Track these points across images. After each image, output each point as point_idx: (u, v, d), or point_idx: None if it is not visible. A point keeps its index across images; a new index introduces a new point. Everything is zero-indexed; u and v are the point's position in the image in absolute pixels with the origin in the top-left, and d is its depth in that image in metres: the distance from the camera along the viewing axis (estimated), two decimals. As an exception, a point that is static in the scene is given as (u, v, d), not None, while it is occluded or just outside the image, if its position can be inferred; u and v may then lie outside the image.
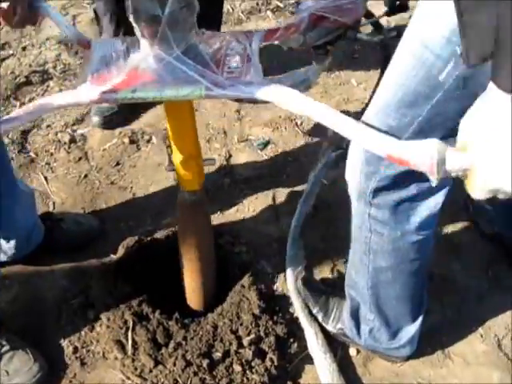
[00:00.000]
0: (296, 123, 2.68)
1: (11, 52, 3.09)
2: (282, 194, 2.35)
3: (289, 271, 1.99)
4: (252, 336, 1.83)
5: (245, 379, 1.78)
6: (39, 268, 2.11)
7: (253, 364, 1.80)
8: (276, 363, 1.81)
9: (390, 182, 1.35)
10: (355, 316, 1.77)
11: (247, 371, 1.79)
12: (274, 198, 2.33)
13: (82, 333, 1.93)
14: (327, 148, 1.97)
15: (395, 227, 1.44)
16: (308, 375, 1.85)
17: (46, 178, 2.45)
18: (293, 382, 1.83)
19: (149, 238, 2.15)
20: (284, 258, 2.06)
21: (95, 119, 2.60)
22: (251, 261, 2.09)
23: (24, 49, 3.10)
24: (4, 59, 3.04)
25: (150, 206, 2.34)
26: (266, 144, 2.57)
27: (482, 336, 1.95)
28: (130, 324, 1.87)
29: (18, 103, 2.80)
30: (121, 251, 2.12)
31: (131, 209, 2.33)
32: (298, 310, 1.92)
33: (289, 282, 1.98)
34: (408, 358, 1.86)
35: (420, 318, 1.74)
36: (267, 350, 1.83)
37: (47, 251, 2.11)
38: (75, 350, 1.90)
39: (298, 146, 2.57)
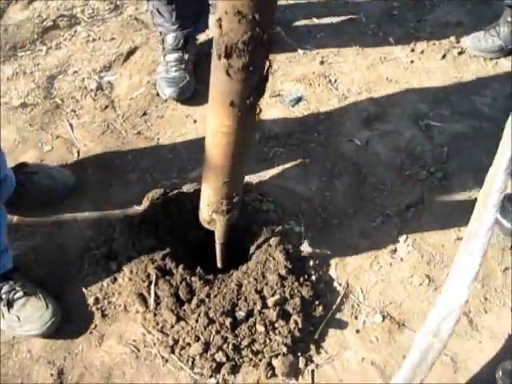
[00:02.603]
0: (330, 80, 2.58)
1: (39, -6, 3.00)
2: (312, 152, 2.27)
3: None
4: (277, 297, 1.78)
5: (267, 340, 1.74)
6: (62, 216, 2.08)
7: (276, 325, 1.76)
8: (300, 325, 1.76)
9: None
10: None
11: (270, 332, 1.75)
12: (303, 157, 2.25)
13: (104, 284, 1.90)
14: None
15: None
16: (332, 339, 1.81)
17: (71, 125, 2.39)
18: (316, 346, 1.79)
19: (175, 192, 2.09)
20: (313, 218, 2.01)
21: (169, 90, 2.45)
22: (279, 219, 2.02)
23: (52, -9, 3.00)
24: (31, 2, 2.95)
25: (177, 158, 2.28)
26: (298, 100, 2.48)
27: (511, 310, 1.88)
28: (153, 278, 1.83)
29: (44, 47, 2.73)
30: (145, 203, 2.06)
31: (157, 160, 2.27)
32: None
33: None
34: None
35: None
36: (292, 311, 1.78)
37: (18, 204, 2.02)
38: (96, 300, 1.87)
39: (331, 104, 2.48)
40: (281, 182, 2.16)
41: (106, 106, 2.46)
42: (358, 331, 1.82)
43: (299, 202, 2.10)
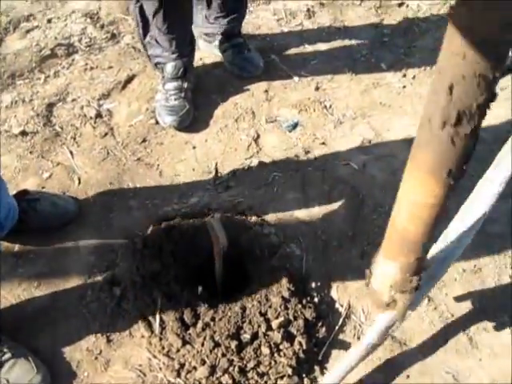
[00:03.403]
0: (325, 106, 2.63)
1: (36, 24, 3.05)
2: (310, 176, 2.31)
3: None
4: (281, 319, 1.81)
5: (273, 362, 1.76)
6: (64, 244, 2.10)
7: (281, 347, 1.78)
8: (304, 347, 1.79)
9: None
10: None
11: (275, 354, 1.77)
12: (302, 181, 2.29)
13: (108, 309, 1.91)
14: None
15: None
16: (335, 360, 1.83)
17: (71, 153, 2.42)
18: (320, 367, 1.81)
19: (176, 217, 2.12)
20: (313, 241, 2.05)
21: (169, 119, 2.50)
22: (280, 243, 2.05)
23: (49, 21, 3.05)
24: (29, 31, 3.00)
25: (177, 184, 2.31)
26: (294, 126, 2.53)
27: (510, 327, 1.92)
28: (158, 302, 1.85)
29: (42, 76, 2.77)
30: (148, 229, 2.09)
31: (157, 186, 2.30)
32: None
33: None
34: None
35: None
36: (296, 333, 1.81)
37: (21, 232, 2.05)
38: (101, 326, 1.88)
39: (327, 129, 2.53)
40: (281, 206, 2.20)
41: (106, 134, 2.50)
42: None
43: (299, 225, 2.13)
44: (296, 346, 1.79)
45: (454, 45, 0.86)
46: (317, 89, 2.72)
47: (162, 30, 2.34)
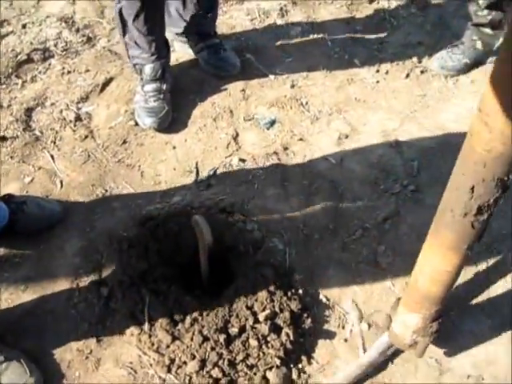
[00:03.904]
0: (301, 103, 2.68)
1: (11, 29, 3.04)
2: (289, 172, 2.37)
3: None
4: (267, 311, 1.85)
5: (261, 353, 1.80)
6: (48, 246, 2.12)
7: (268, 339, 1.82)
8: (291, 338, 1.84)
9: None
10: None
11: (263, 346, 1.81)
12: (282, 177, 2.34)
13: (96, 309, 1.94)
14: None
15: None
16: (322, 349, 1.88)
17: (52, 157, 2.43)
18: (307, 357, 1.86)
19: (159, 216, 2.15)
20: (295, 235, 2.10)
21: (149, 120, 2.53)
22: (263, 238, 2.10)
23: (24, 26, 3.06)
24: (4, 36, 3.00)
25: (158, 184, 2.35)
26: (272, 123, 2.58)
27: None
28: (146, 300, 1.88)
29: (19, 81, 2.77)
30: (132, 229, 2.12)
31: (139, 187, 2.33)
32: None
33: None
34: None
35: None
36: (282, 325, 1.85)
37: (8, 234, 2.07)
38: (90, 326, 1.90)
39: (304, 126, 2.58)
40: (262, 202, 2.24)
41: (86, 136, 2.51)
42: (346, 340, 1.90)
43: (281, 220, 2.18)
44: (283, 338, 1.83)
45: (475, 157, 1.10)
46: (292, 86, 2.77)
47: (142, 31, 2.37)
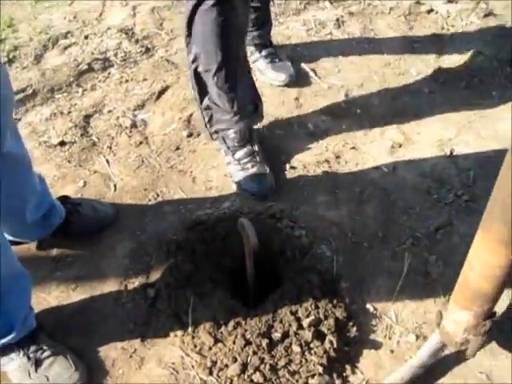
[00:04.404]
0: (355, 112, 2.66)
1: (74, 40, 3.16)
2: (340, 179, 2.34)
3: None
4: (311, 317, 1.82)
5: (303, 360, 1.77)
6: (100, 247, 2.16)
7: (312, 345, 1.79)
8: (335, 345, 1.80)
9: None
10: None
11: (306, 352, 1.78)
12: (333, 184, 2.32)
13: (143, 310, 1.96)
14: None
15: None
16: (366, 360, 1.83)
17: (107, 161, 2.49)
18: (351, 366, 1.81)
19: (209, 221, 2.16)
20: (343, 242, 2.07)
21: (255, 190, 2.30)
22: (311, 244, 2.08)
23: (86, 37, 3.17)
24: (67, 47, 3.11)
25: (209, 189, 2.36)
26: (325, 132, 2.56)
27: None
28: (191, 302, 1.89)
29: (80, 89, 2.86)
30: (182, 232, 2.14)
31: (190, 192, 2.35)
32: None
33: None
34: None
35: None
36: (326, 332, 1.82)
37: (63, 235, 2.12)
38: (135, 326, 1.92)
39: (357, 135, 2.55)
40: (311, 209, 2.22)
41: (141, 142, 2.57)
42: (392, 351, 1.85)
43: (330, 227, 2.15)
44: (327, 345, 1.80)
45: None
46: (346, 96, 2.75)
47: (224, 89, 2.15)
